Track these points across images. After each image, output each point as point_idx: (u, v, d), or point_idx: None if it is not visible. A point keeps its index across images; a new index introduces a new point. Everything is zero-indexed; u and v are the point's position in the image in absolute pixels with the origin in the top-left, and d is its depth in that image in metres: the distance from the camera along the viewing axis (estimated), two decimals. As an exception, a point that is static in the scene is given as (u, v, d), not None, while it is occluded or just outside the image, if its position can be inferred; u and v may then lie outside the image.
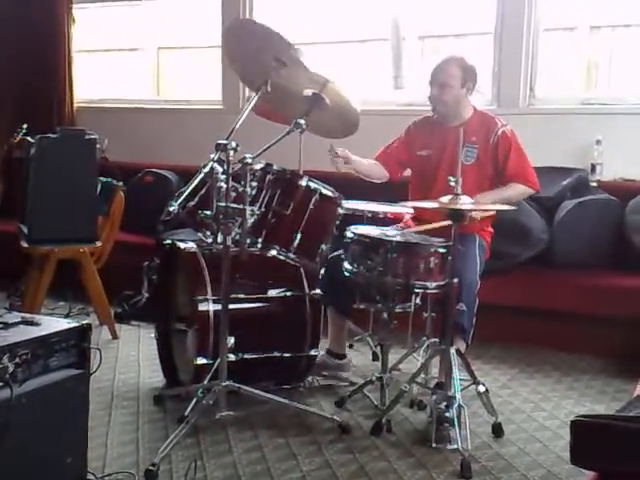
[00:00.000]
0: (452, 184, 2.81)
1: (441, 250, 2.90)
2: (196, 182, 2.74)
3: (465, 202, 2.81)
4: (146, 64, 6.24)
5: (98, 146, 3.96)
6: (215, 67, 5.53)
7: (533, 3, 4.60)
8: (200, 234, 2.90)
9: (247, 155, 2.72)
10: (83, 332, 2.28)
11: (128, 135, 5.40)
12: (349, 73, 5.34)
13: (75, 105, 5.83)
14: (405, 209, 3.43)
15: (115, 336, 4.07)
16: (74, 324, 2.29)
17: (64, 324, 2.29)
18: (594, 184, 4.32)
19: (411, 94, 5.05)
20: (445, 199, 2.83)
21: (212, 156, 2.71)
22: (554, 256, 4.07)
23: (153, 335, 3.45)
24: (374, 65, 5.41)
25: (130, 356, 3.78)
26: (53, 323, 2.29)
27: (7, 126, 4.50)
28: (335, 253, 3.14)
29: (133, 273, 4.39)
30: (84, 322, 2.31)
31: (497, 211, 3.39)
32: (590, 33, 4.97)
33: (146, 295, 4.38)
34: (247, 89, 5.24)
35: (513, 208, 3.14)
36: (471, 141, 3.32)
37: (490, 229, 3.49)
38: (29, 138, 4.04)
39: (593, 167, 4.36)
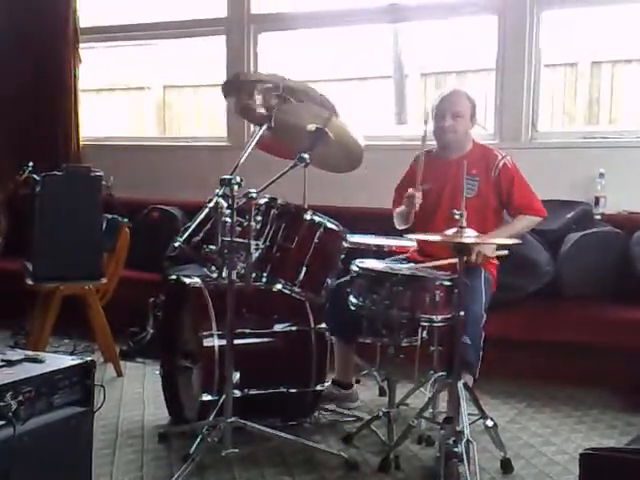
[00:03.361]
0: (457, 217, 2.80)
1: (447, 283, 2.88)
2: (201, 217, 2.74)
3: (470, 235, 2.80)
4: (152, 102, 6.29)
5: (104, 183, 3.96)
6: (220, 104, 5.56)
7: (534, 39, 4.62)
8: (205, 269, 2.89)
9: (252, 190, 2.72)
10: (87, 369, 2.26)
11: (134, 172, 5.41)
12: (352, 110, 5.36)
13: (81, 143, 5.86)
14: (409, 242, 3.41)
15: (120, 373, 4.04)
16: (78, 361, 2.26)
17: (68, 361, 2.26)
18: (598, 217, 4.30)
19: (414, 129, 5.07)
20: (450, 232, 2.82)
21: (217, 191, 2.71)
22: (560, 288, 4.04)
23: (158, 372, 3.42)
24: (377, 102, 5.44)
25: (135, 393, 3.74)
26: (57, 360, 2.27)
27: (13, 163, 4.50)
28: (339, 280, 3.10)
29: (138, 310, 4.38)
30: (88, 359, 2.29)
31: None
32: (591, 68, 5.01)
33: (151, 332, 4.37)
34: (251, 125, 5.27)
35: (518, 242, 3.12)
36: (471, 174, 3.30)
37: (495, 261, 3.46)
38: (35, 176, 4.04)
39: (597, 200, 4.35)
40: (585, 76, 5.01)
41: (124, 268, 4.25)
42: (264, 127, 3.08)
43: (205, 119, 6.21)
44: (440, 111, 3.42)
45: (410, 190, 3.32)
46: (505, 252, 3.28)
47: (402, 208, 3.46)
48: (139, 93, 6.43)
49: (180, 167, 5.53)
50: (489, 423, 2.87)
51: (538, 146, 4.64)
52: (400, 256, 3.42)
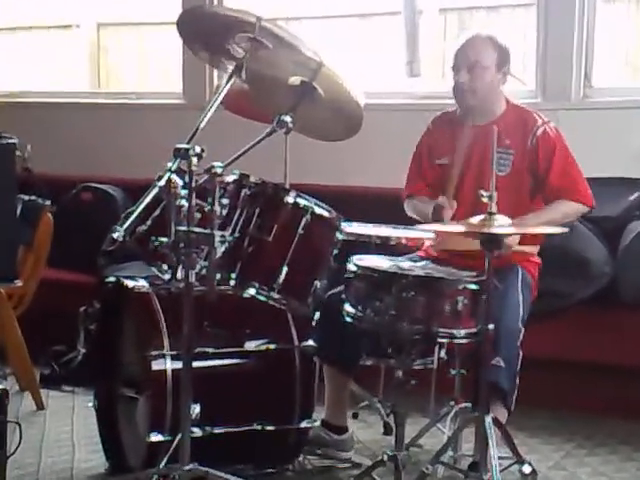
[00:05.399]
0: (485, 200, 2.81)
1: (472, 287, 2.89)
2: (148, 200, 2.74)
3: (502, 224, 2.82)
4: (82, 45, 6.26)
5: (18, 153, 3.96)
6: (173, 50, 5.55)
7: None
8: (154, 268, 2.90)
9: (216, 163, 2.73)
10: (-2, 401, 2.27)
11: (59, 139, 5.42)
12: (349, 56, 5.37)
13: (-13, 99, 5.86)
14: (424, 234, 3.42)
15: (41, 406, 4.05)
16: (-15, 390, 2.28)
17: (-28, 390, 2.28)
18: (670, 199, 4.34)
19: (430, 83, 5.08)
20: (475, 220, 2.83)
21: (169, 165, 2.71)
22: (620, 294, 4.08)
23: (91, 404, 3.43)
24: (382, 46, 5.45)
25: (61, 432, 3.76)
26: (-42, 389, 2.28)
27: None
28: (333, 291, 3.13)
29: (65, 322, 4.38)
30: (-1, 387, 2.31)
31: (545, 237, 3.40)
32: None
33: (82, 351, 4.38)
34: (215, 78, 5.27)
35: (563, 230, 3.14)
36: (505, 144, 3.31)
37: (537, 259, 3.49)
38: None
39: (667, 177, 4.39)
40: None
41: (46, 267, 4.26)
42: (232, 80, 3.08)
43: (154, 69, 6.20)
44: (455, 63, 3.44)
45: (440, 199, 3.33)
46: (534, 248, 3.30)
47: (421, 205, 3.52)
48: (65, 33, 6.40)
49: (121, 133, 5.54)
50: (526, 469, 2.87)
51: (592, 106, 4.67)
52: (411, 255, 3.43)
